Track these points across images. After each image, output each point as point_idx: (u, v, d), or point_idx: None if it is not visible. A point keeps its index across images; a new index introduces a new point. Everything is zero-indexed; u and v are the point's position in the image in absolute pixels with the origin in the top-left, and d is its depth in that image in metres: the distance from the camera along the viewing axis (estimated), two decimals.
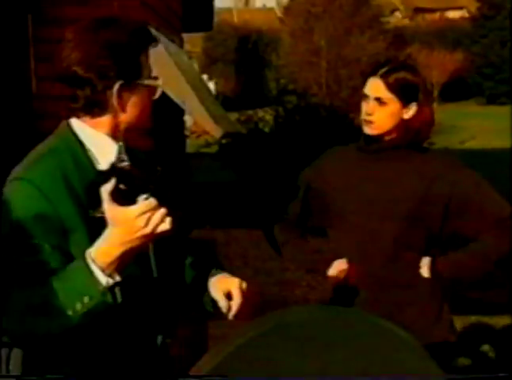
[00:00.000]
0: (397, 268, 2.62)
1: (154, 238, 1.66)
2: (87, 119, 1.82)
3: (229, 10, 46.21)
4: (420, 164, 2.66)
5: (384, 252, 2.62)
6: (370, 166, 2.69)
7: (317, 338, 1.43)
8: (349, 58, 26.05)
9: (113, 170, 1.60)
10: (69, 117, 1.86)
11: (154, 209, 1.61)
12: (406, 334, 1.50)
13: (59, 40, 1.83)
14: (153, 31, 1.94)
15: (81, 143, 1.82)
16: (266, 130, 11.71)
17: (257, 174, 10.49)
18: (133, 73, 1.80)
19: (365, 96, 2.67)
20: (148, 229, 1.61)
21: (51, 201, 1.72)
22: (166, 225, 1.62)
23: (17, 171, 1.79)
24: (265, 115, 12.30)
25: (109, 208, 1.61)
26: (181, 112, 8.45)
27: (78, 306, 1.64)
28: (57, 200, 1.72)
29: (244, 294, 1.92)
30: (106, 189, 1.60)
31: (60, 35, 1.83)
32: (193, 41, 31.52)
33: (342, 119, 11.48)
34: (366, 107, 2.66)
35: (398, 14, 46.73)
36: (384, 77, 2.63)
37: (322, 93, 23.75)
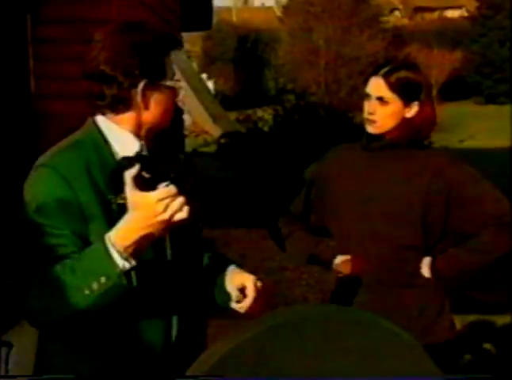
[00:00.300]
0: (398, 268, 2.63)
1: (172, 226, 1.72)
2: (112, 116, 1.91)
3: (228, 9, 46.18)
4: (420, 162, 2.67)
5: (385, 252, 2.63)
6: (371, 165, 2.70)
7: (316, 338, 1.43)
8: (348, 57, 26.06)
9: (138, 157, 1.67)
10: (94, 114, 1.93)
11: (174, 196, 1.67)
12: (406, 334, 1.50)
13: (58, 40, 1.86)
14: None
15: (105, 139, 1.90)
16: (265, 129, 11.72)
17: (256, 173, 10.49)
18: (157, 73, 1.88)
19: (367, 96, 2.69)
20: (166, 215, 1.67)
21: (73, 189, 1.80)
22: (183, 213, 1.68)
23: (43, 159, 1.88)
24: (264, 114, 12.30)
25: (131, 193, 1.68)
26: (179, 111, 8.45)
27: (95, 286, 1.70)
28: (79, 188, 1.80)
29: (258, 291, 1.97)
30: (130, 174, 1.66)
31: (59, 34, 1.86)
32: (192, 40, 31.51)
33: (341, 118, 11.49)
34: (368, 106, 2.69)
35: (397, 13, 46.72)
36: (385, 76, 2.65)
37: (321, 92, 23.74)
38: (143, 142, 1.92)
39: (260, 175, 10.39)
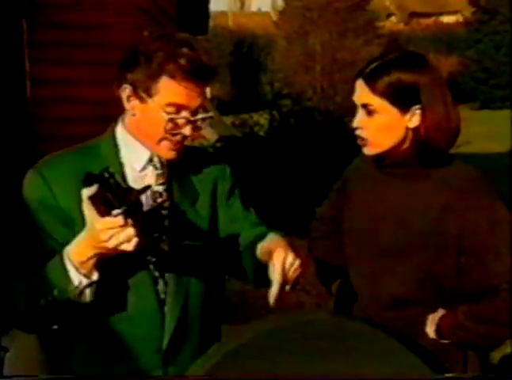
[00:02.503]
0: (395, 323, 1.92)
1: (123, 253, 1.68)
2: (124, 117, 1.92)
3: (224, 14, 46.22)
4: (430, 189, 2.05)
5: (377, 302, 2.11)
6: (378, 186, 2.15)
7: (312, 341, 1.44)
8: (344, 62, 26.08)
9: (100, 177, 1.61)
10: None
11: (122, 227, 1.61)
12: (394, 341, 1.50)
13: (54, 44, 1.86)
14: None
15: (117, 150, 1.89)
16: (261, 133, 11.72)
17: (252, 178, 10.50)
18: (141, 85, 1.83)
19: (356, 105, 2.12)
20: (110, 245, 1.63)
21: (53, 193, 1.81)
22: (129, 245, 1.63)
23: (41, 160, 1.89)
24: (260, 118, 12.31)
25: (86, 211, 1.65)
26: None
27: (49, 297, 1.71)
28: (60, 194, 1.81)
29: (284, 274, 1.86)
30: (87, 192, 1.61)
31: (55, 38, 1.86)
32: None
33: (337, 123, 11.49)
34: (354, 119, 2.11)
35: (393, 19, 46.83)
36: (368, 78, 2.06)
37: (317, 96, 23.76)
38: (153, 155, 1.90)
39: (256, 179, 10.39)
